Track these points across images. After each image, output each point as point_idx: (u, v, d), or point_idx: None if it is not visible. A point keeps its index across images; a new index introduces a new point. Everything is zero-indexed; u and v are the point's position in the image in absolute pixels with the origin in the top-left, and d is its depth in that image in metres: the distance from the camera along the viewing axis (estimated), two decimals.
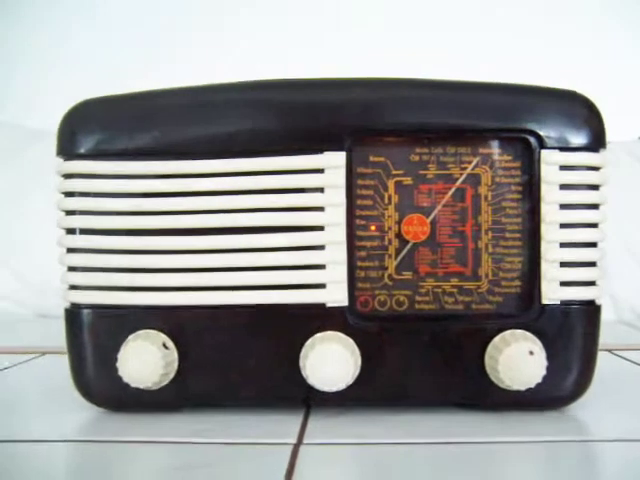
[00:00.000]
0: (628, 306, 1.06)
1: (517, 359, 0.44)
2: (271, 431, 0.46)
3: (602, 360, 0.49)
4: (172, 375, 0.48)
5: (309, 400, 0.50)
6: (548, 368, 0.45)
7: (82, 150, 0.49)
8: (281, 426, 0.47)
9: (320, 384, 0.46)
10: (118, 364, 0.46)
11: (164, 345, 0.48)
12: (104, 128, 0.49)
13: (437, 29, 1.12)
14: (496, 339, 0.46)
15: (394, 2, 1.14)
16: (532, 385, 0.45)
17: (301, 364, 0.46)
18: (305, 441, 0.44)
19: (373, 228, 0.48)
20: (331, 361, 0.45)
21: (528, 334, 0.46)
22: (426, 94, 0.49)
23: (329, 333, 0.47)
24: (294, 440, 0.44)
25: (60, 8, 1.35)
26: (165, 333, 0.48)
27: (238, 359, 0.48)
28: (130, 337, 0.48)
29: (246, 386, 0.49)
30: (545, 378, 0.45)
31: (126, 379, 0.46)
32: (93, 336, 0.49)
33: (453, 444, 0.43)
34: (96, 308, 0.49)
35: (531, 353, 0.44)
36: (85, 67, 1.29)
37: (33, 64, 1.32)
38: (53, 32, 1.34)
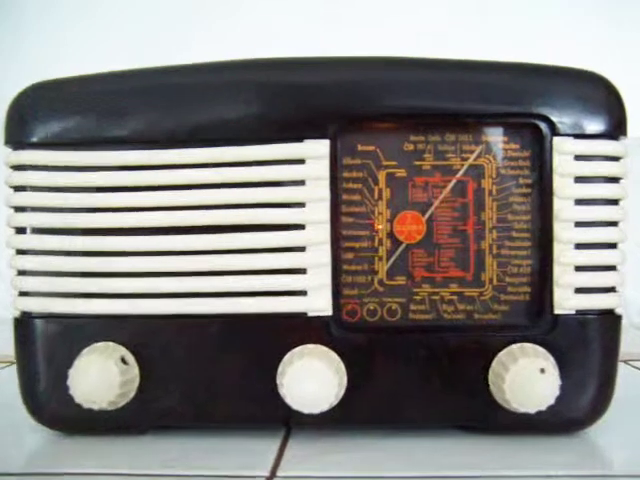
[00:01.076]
0: (638, 309, 1.00)
1: (526, 377, 0.40)
2: (242, 460, 0.41)
3: (619, 373, 0.45)
4: (132, 394, 0.43)
5: (289, 422, 0.44)
6: (562, 387, 0.41)
7: (34, 138, 0.44)
8: (255, 454, 0.42)
9: (298, 405, 0.40)
10: (69, 381, 0.41)
11: (123, 360, 0.42)
12: (59, 114, 0.44)
13: (440, 6, 1.04)
14: (502, 354, 0.42)
15: None
16: (543, 407, 0.40)
17: (278, 382, 0.41)
18: (279, 473, 0.38)
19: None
20: (311, 379, 0.40)
21: (539, 348, 0.42)
22: (422, 74, 0.44)
23: (310, 347, 0.42)
24: (267, 473, 0.38)
25: (59, 7, 1.31)
26: (125, 346, 0.43)
27: (208, 376, 0.43)
28: (85, 350, 0.43)
29: (217, 407, 0.44)
30: (558, 399, 0.41)
31: (78, 399, 0.41)
32: (45, 349, 0.44)
33: (452, 478, 0.38)
34: (49, 317, 0.44)
35: (542, 371, 0.40)
36: (84, 65, 1.25)
37: (31, 63, 1.28)
38: (52, 30, 1.30)
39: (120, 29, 1.24)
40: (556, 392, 0.40)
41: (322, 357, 0.41)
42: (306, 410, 0.40)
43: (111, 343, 0.43)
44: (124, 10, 1.25)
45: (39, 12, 1.31)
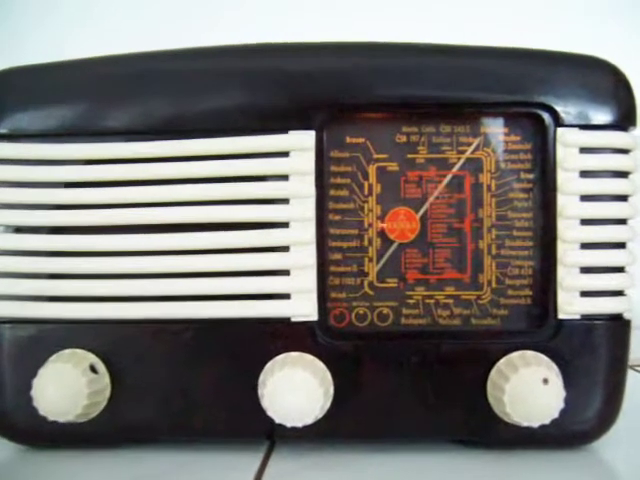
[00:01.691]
0: None
1: (528, 389, 0.37)
2: (221, 477, 0.38)
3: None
4: (103, 405, 0.41)
5: (272, 435, 0.42)
6: (566, 399, 0.38)
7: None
8: (234, 470, 0.39)
9: (281, 418, 0.38)
10: (33, 392, 0.39)
11: (92, 368, 0.40)
12: (25, 103, 0.42)
13: None
14: (501, 363, 0.40)
15: None
16: (546, 421, 0.38)
17: (259, 393, 0.39)
18: None
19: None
20: (294, 391, 0.37)
21: (541, 356, 0.40)
22: (415, 61, 0.41)
23: (294, 355, 0.40)
24: None
25: (61, 8, 1.30)
26: (95, 353, 0.41)
27: (184, 386, 0.41)
28: (51, 358, 0.40)
29: (194, 419, 0.41)
30: (563, 411, 0.38)
31: (42, 411, 0.39)
32: (9, 356, 0.41)
33: None
34: (13, 322, 0.41)
35: (545, 381, 0.37)
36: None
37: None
38: (54, 30, 1.30)
39: (122, 30, 1.23)
40: (560, 404, 0.38)
41: (306, 366, 0.38)
42: (289, 423, 0.38)
43: (80, 350, 0.41)
44: (125, 11, 1.24)
45: (40, 11, 1.29)
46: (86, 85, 0.42)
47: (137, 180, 0.40)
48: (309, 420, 0.38)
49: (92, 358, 0.40)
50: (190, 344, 0.40)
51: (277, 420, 0.38)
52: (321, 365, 0.39)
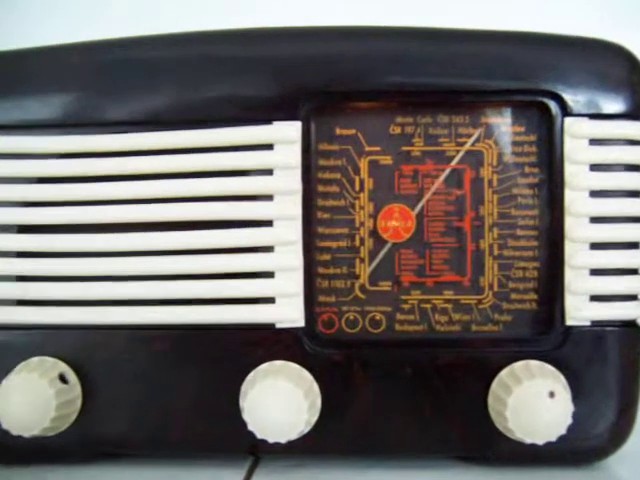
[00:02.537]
0: None
1: (532, 403, 0.35)
2: None
3: None
4: (73, 417, 0.39)
5: (255, 451, 0.40)
6: (575, 413, 0.36)
7: None
8: None
9: (262, 433, 0.36)
10: None
11: (61, 378, 0.38)
12: None
13: None
14: (503, 373, 0.38)
15: None
16: (553, 438, 0.36)
17: (240, 405, 0.37)
18: None
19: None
20: (276, 404, 0.35)
21: (547, 367, 0.38)
22: (410, 46, 0.39)
23: (278, 364, 0.38)
24: None
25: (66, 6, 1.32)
26: (66, 361, 0.39)
27: (161, 396, 0.39)
28: (17, 367, 0.38)
29: (172, 432, 0.39)
30: (571, 427, 0.36)
31: (5, 425, 0.36)
32: None
33: None
34: None
35: (551, 394, 0.35)
36: None
37: None
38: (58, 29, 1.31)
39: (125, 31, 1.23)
40: (568, 420, 0.36)
41: (291, 376, 0.36)
42: (271, 439, 0.36)
43: (50, 358, 0.39)
44: (129, 11, 1.24)
45: (45, 10, 1.30)
46: (60, 74, 0.40)
47: (111, 175, 0.39)
48: (293, 435, 0.36)
49: (62, 367, 0.38)
50: (167, 352, 0.39)
51: (259, 435, 0.36)
52: (307, 375, 0.37)
